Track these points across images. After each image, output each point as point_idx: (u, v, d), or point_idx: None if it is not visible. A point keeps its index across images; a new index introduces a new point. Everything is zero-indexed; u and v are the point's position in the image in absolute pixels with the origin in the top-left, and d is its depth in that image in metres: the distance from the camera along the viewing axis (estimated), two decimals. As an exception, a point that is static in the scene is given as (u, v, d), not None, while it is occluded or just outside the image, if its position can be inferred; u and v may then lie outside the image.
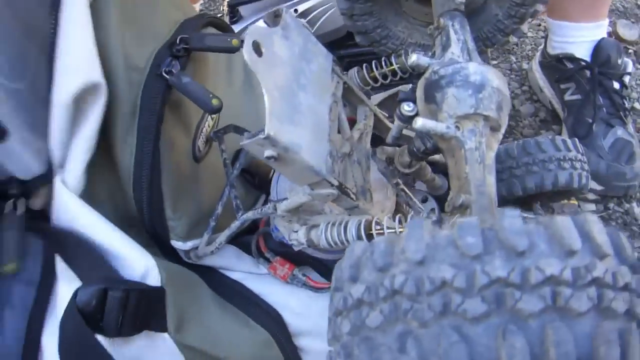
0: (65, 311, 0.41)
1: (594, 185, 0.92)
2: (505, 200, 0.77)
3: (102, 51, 0.46)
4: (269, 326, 0.53)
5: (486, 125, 0.39)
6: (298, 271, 0.55)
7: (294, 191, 0.46)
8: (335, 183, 0.43)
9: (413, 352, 0.25)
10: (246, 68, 0.65)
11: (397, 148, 0.51)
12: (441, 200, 0.63)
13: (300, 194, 0.45)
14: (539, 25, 1.15)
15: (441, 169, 0.60)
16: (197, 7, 1.08)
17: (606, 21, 0.96)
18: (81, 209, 0.46)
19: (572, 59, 0.95)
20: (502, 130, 0.41)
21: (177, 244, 0.54)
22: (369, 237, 0.44)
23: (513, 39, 0.54)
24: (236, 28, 0.83)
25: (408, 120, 0.42)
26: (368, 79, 0.51)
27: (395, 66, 0.49)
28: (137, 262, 0.46)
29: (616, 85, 0.94)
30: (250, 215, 0.52)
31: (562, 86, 0.97)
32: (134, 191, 0.49)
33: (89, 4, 0.44)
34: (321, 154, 0.42)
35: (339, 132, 0.50)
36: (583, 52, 0.95)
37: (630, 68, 0.97)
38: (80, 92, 0.42)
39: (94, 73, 0.44)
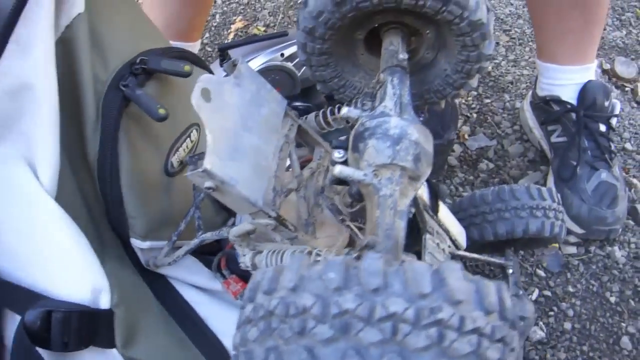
0: (17, 328, 0.47)
1: (575, 228, 0.94)
2: (477, 244, 0.80)
3: (74, 67, 0.54)
4: (208, 352, 0.57)
5: (403, 174, 0.43)
6: (250, 291, 0.60)
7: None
8: (273, 214, 0.48)
9: (273, 363, 0.30)
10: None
11: (345, 187, 0.55)
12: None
13: (246, 222, 0.50)
14: (535, 63, 1.17)
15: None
16: (198, 43, 1.13)
17: (594, 64, 0.98)
18: (54, 213, 0.51)
19: (558, 101, 0.98)
20: (422, 180, 0.45)
21: (135, 242, 0.59)
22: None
23: (463, 92, 0.58)
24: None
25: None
26: (323, 123, 0.56)
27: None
28: (90, 281, 0.51)
29: (602, 127, 0.97)
30: (208, 235, 0.57)
31: (549, 128, 1.00)
32: (99, 183, 0.56)
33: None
34: (260, 188, 0.47)
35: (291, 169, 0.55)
36: (569, 95, 0.98)
37: (617, 110, 0.99)
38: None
39: (28, 73, 0.50)
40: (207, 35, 1.31)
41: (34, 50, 0.50)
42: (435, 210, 0.68)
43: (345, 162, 0.46)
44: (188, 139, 0.64)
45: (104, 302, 0.50)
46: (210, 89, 0.46)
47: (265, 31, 1.30)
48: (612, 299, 0.89)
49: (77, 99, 0.56)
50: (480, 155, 1.04)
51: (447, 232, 0.71)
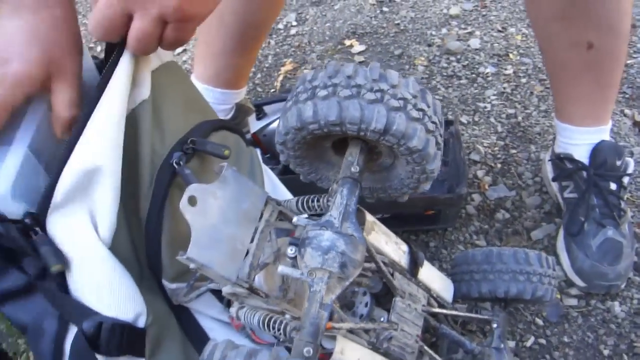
0: (75, 335, 0.66)
1: (578, 281, 1.01)
2: (465, 298, 0.91)
3: (137, 141, 0.70)
4: None
5: (331, 276, 0.57)
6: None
7: (232, 283, 0.68)
8: (245, 286, 0.64)
9: None
10: (250, 172, 0.87)
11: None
12: (377, 296, 0.80)
13: (228, 287, 0.67)
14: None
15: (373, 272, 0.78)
16: (244, 90, 1.23)
17: (608, 125, 1.03)
18: (107, 259, 0.67)
19: (571, 159, 1.04)
20: (351, 278, 0.58)
21: (165, 283, 0.77)
22: (268, 327, 0.65)
23: (425, 187, 0.69)
24: (262, 123, 1.06)
25: (291, 260, 0.61)
26: (301, 208, 0.70)
27: (316, 204, 0.68)
28: (133, 307, 0.67)
29: (613, 186, 1.01)
30: (212, 286, 0.75)
31: (563, 183, 1.06)
32: (145, 237, 0.74)
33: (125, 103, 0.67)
34: (234, 266, 0.64)
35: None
36: (582, 154, 1.03)
37: (631, 169, 1.03)
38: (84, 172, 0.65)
39: (99, 157, 0.66)
40: (259, 75, 1.46)
41: (105, 137, 0.66)
42: (413, 274, 0.80)
43: (296, 257, 0.61)
44: None
45: (141, 323, 0.68)
46: (197, 195, 0.63)
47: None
48: (606, 352, 0.95)
49: (137, 166, 0.73)
50: (498, 205, 1.12)
51: (428, 290, 0.83)
